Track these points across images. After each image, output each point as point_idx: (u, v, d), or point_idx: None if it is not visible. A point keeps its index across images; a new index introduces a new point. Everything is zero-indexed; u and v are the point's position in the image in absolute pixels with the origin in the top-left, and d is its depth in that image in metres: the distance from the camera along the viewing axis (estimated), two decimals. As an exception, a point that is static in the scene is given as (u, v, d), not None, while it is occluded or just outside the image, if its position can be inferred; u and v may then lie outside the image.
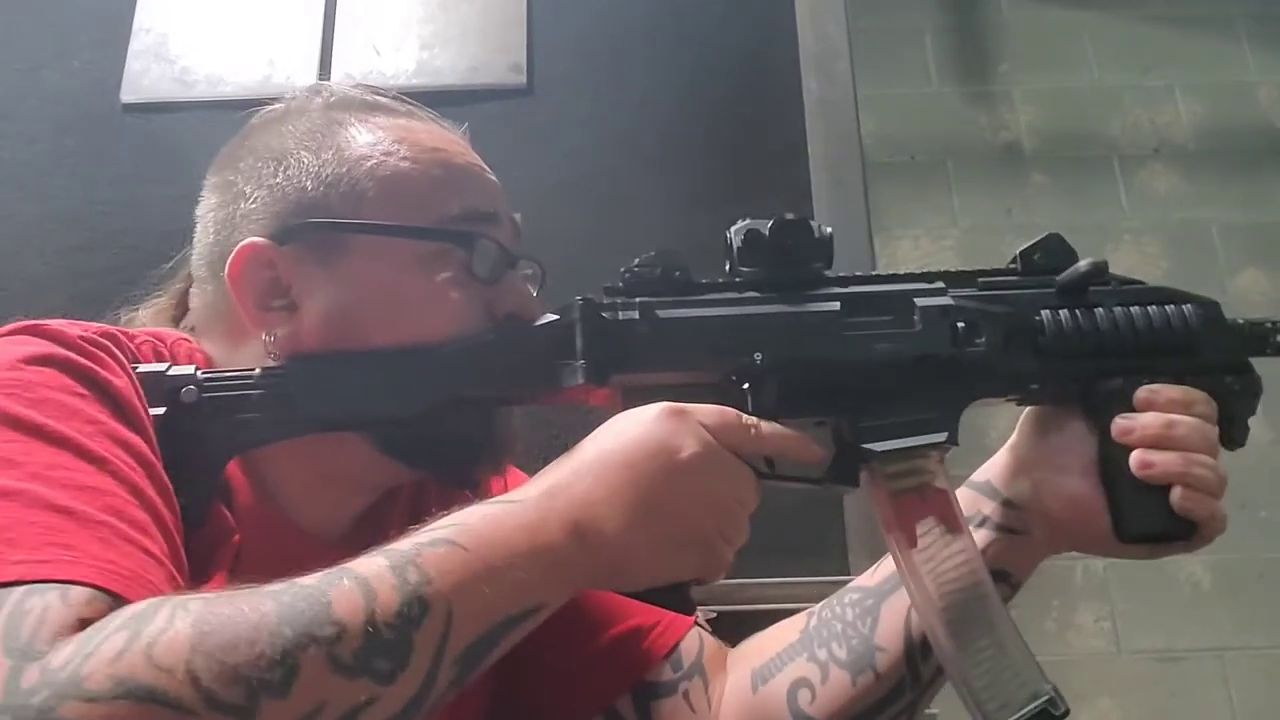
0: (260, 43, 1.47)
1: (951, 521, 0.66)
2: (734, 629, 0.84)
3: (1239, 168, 2.56)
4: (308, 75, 1.44)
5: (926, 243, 2.55)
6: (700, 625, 0.82)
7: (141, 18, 1.48)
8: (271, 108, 0.77)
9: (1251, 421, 0.71)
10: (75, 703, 0.44)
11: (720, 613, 0.92)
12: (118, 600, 0.50)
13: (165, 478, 0.60)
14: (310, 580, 0.51)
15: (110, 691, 0.44)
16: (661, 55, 1.46)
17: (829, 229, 0.69)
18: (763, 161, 1.39)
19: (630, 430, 0.60)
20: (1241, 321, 0.71)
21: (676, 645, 0.79)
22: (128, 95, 1.44)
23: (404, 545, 0.54)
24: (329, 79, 1.44)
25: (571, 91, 1.45)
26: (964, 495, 0.74)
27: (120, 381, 0.60)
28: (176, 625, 0.46)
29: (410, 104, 0.77)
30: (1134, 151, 2.61)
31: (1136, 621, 2.21)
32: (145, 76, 1.45)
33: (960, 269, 0.72)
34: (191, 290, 0.76)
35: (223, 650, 0.46)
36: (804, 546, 1.20)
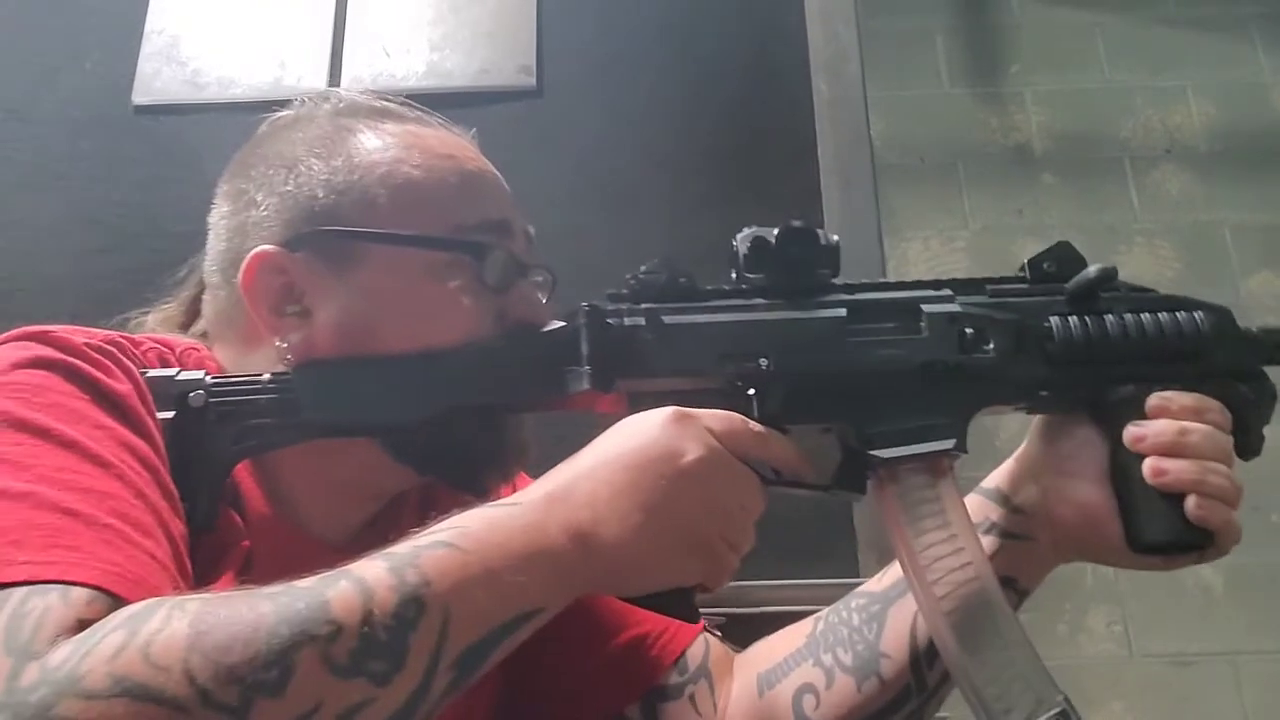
0: (271, 45, 1.47)
1: (960, 528, 0.65)
2: (743, 632, 0.84)
3: (1251, 169, 2.55)
4: (318, 77, 1.45)
5: (937, 244, 2.54)
6: (707, 630, 0.82)
7: (153, 20, 1.49)
8: (281, 114, 0.77)
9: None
10: (73, 700, 0.44)
11: (729, 615, 0.92)
12: (119, 601, 0.50)
13: (170, 482, 0.60)
14: (308, 581, 0.51)
15: (108, 690, 0.44)
16: (671, 57, 1.46)
17: (835, 236, 0.69)
18: (772, 163, 1.39)
19: (635, 434, 0.60)
20: (1255, 329, 0.70)
21: (684, 652, 0.79)
22: (140, 97, 1.44)
23: (403, 548, 0.54)
24: (339, 81, 1.44)
25: (581, 93, 1.45)
26: (972, 502, 0.73)
27: (124, 388, 0.61)
28: (174, 625, 0.47)
29: (419, 109, 0.77)
30: (1146, 153, 2.59)
31: (1148, 625, 2.20)
32: (157, 79, 1.45)
33: (970, 274, 0.71)
34: (204, 297, 0.76)
35: (219, 650, 0.46)
36: (814, 550, 1.20)
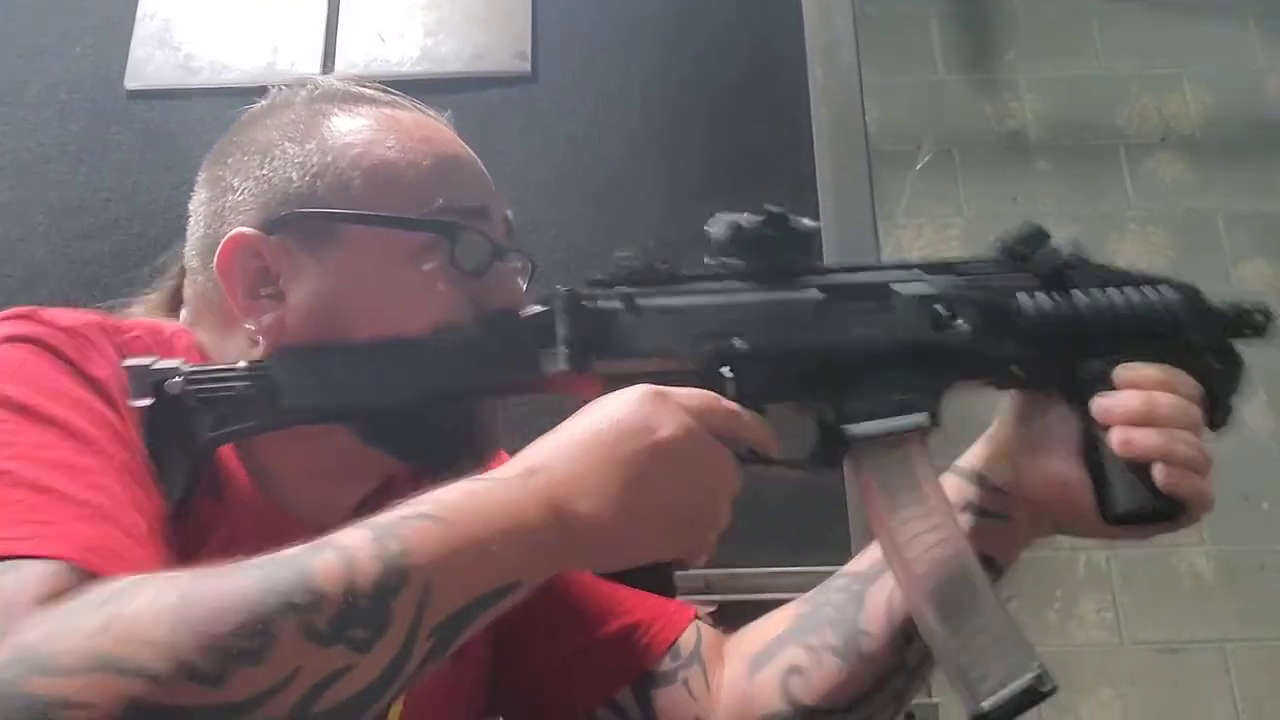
0: (264, 30, 1.46)
1: (935, 503, 0.66)
2: (738, 618, 0.84)
3: (1246, 157, 2.55)
4: (312, 62, 1.44)
5: (931, 231, 2.54)
6: (699, 618, 0.82)
7: (145, 4, 1.48)
8: (258, 104, 0.77)
9: (1254, 413, 0.71)
10: (45, 677, 0.44)
11: (724, 602, 0.92)
12: (95, 576, 0.50)
13: (148, 463, 0.61)
14: (292, 551, 0.51)
15: (85, 665, 0.44)
16: (666, 42, 1.46)
17: (810, 221, 0.70)
18: (767, 149, 1.39)
19: (611, 411, 0.60)
20: (1221, 303, 0.71)
21: (676, 639, 0.79)
22: (131, 82, 1.44)
23: (385, 518, 0.54)
24: (333, 66, 1.44)
25: (576, 79, 1.44)
26: (949, 482, 0.74)
27: (101, 373, 0.61)
28: (161, 600, 0.47)
29: (395, 94, 0.77)
30: (1140, 140, 2.59)
31: (1139, 612, 2.21)
32: (149, 63, 1.45)
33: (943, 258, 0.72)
34: (185, 283, 0.77)
35: (205, 622, 0.46)
36: (807, 536, 1.21)
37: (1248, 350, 0.72)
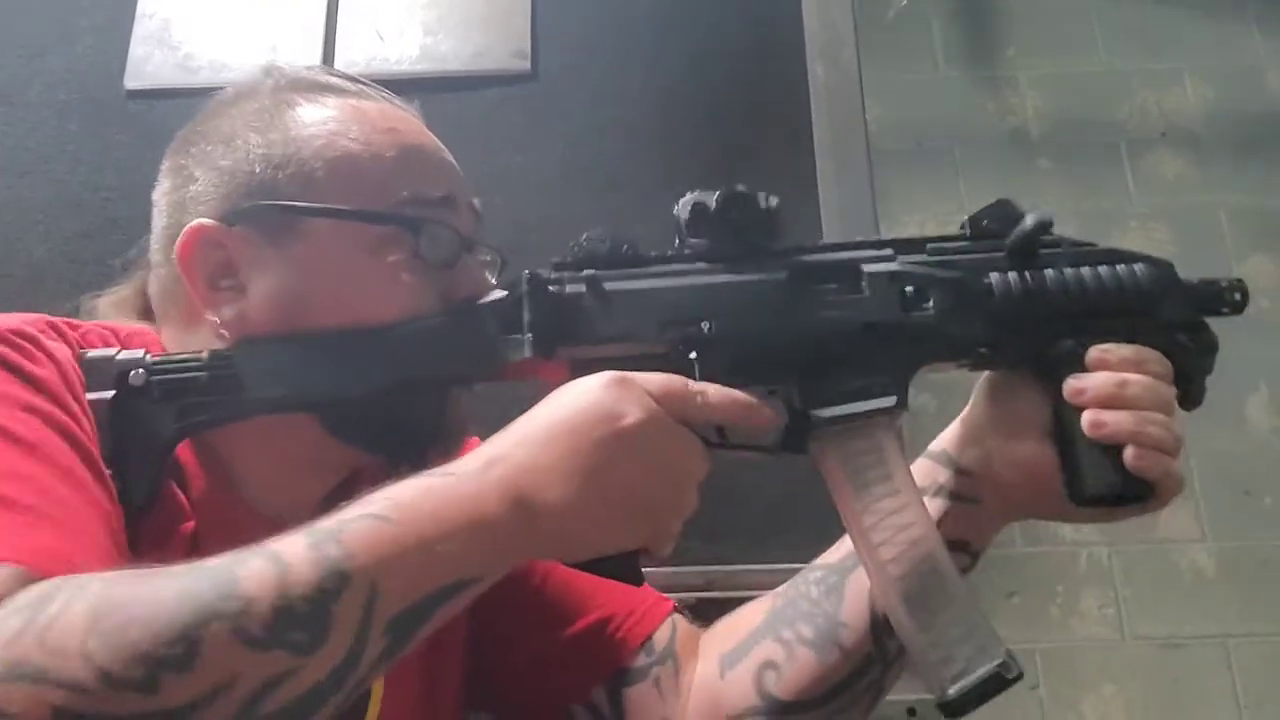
0: (263, 29, 1.46)
1: (903, 485, 0.65)
2: (719, 616, 0.84)
3: (1248, 152, 2.55)
4: (311, 61, 1.44)
5: (932, 229, 2.53)
6: (678, 611, 0.82)
7: (145, 4, 1.48)
8: (223, 92, 0.77)
9: (1255, 408, 0.70)
10: None
11: (710, 599, 0.92)
12: (39, 580, 0.50)
13: (100, 463, 0.60)
14: (219, 559, 0.51)
15: (4, 673, 0.44)
16: (666, 41, 1.45)
17: (775, 199, 0.69)
18: (768, 147, 1.39)
19: (574, 399, 0.60)
20: (1195, 280, 0.71)
21: (651, 634, 0.79)
22: (131, 81, 1.43)
23: (328, 522, 0.54)
24: (333, 65, 1.43)
25: (575, 77, 1.44)
26: (921, 465, 0.74)
27: (44, 371, 0.61)
28: (73, 607, 0.47)
29: (363, 83, 0.76)
30: (1142, 136, 2.59)
31: (1140, 608, 2.21)
32: (148, 62, 1.44)
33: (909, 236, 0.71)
34: (151, 276, 0.76)
35: (118, 630, 0.46)
36: (795, 532, 1.20)
37: (1251, 344, 0.71)
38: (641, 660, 0.78)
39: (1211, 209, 2.51)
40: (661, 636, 0.79)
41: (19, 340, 0.61)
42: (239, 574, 0.50)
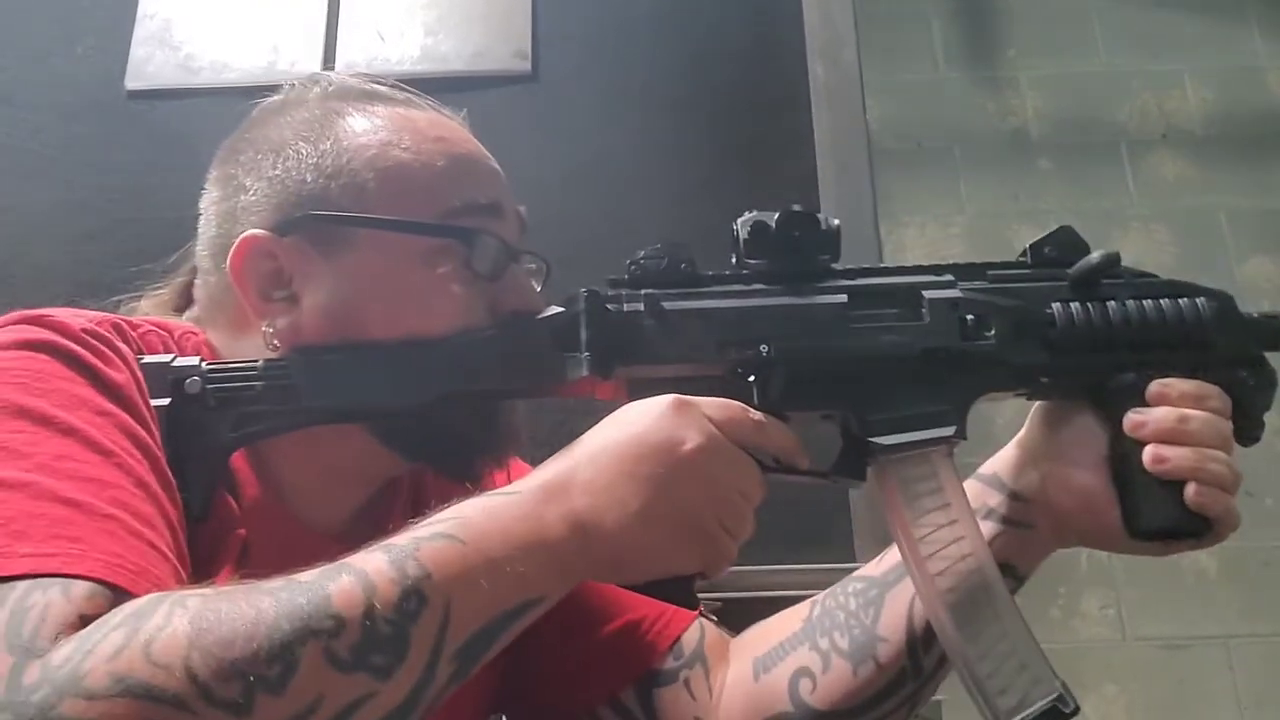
0: (264, 29, 1.46)
1: (959, 513, 0.65)
2: (740, 616, 0.84)
3: (1248, 153, 2.55)
4: (312, 62, 1.44)
5: (933, 229, 2.54)
6: (704, 616, 0.82)
7: (145, 4, 1.48)
8: (270, 100, 0.76)
9: (1263, 414, 0.70)
10: (75, 700, 0.44)
11: (726, 600, 0.92)
12: (121, 594, 0.50)
13: (168, 471, 0.60)
14: (309, 575, 0.51)
15: (109, 689, 0.44)
16: (667, 42, 1.45)
17: (836, 221, 0.69)
18: (769, 148, 1.39)
19: (635, 422, 0.60)
20: (1256, 314, 0.70)
21: (679, 637, 0.79)
22: (132, 82, 1.44)
23: (402, 540, 0.54)
24: (333, 65, 1.44)
25: (576, 78, 1.44)
26: (971, 488, 0.73)
27: (120, 375, 0.60)
28: (174, 622, 0.47)
29: (410, 92, 0.76)
30: (1142, 137, 2.59)
31: (1142, 609, 2.21)
32: (149, 63, 1.45)
33: (966, 259, 0.71)
34: (196, 282, 0.76)
35: (220, 646, 0.46)
36: (810, 534, 1.20)
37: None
38: (671, 662, 0.78)
39: (1211, 210, 2.51)
40: (690, 639, 0.80)
41: (93, 341, 0.60)
42: (330, 590, 0.49)
